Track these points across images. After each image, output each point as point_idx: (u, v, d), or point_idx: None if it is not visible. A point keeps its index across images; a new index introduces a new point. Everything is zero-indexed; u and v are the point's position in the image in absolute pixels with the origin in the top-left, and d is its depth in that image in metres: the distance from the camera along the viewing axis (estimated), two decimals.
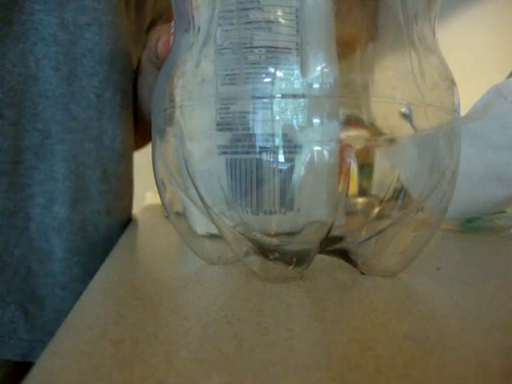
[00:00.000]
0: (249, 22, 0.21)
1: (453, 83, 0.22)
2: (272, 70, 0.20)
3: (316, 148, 0.20)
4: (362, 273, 0.23)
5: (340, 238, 0.22)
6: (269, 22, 0.21)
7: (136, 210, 0.92)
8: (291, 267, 0.22)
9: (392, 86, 0.21)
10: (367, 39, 0.21)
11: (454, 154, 0.22)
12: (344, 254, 0.23)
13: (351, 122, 0.21)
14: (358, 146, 0.21)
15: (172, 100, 0.23)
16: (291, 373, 0.13)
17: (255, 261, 0.23)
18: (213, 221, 0.22)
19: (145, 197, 1.15)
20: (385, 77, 0.21)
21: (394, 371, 0.13)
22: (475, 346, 0.15)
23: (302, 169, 0.21)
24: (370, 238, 0.22)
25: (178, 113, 0.23)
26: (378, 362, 0.14)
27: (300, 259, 0.22)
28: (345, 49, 0.21)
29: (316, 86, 0.20)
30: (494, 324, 0.17)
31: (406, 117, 0.21)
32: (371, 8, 0.21)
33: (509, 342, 0.16)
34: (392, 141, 0.21)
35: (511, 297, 0.21)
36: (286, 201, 0.21)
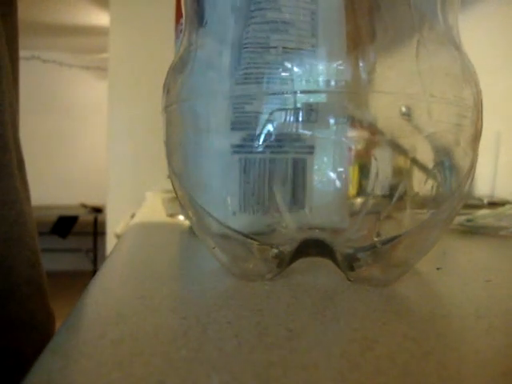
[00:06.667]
0: (265, 22, 0.21)
1: (468, 77, 0.22)
2: (287, 70, 0.20)
3: (329, 148, 0.21)
4: (349, 280, 0.22)
5: (323, 242, 0.22)
6: (285, 22, 0.21)
7: (136, 209, 0.92)
8: (273, 266, 0.22)
9: (394, 84, 0.21)
10: (371, 37, 0.21)
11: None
12: (333, 258, 0.23)
13: (353, 122, 0.21)
14: (359, 146, 0.21)
15: (185, 98, 0.23)
16: (291, 373, 0.13)
17: (244, 259, 0.23)
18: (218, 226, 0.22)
19: (145, 197, 1.15)
20: (387, 74, 0.21)
21: (394, 371, 0.13)
22: (475, 346, 0.15)
23: (315, 169, 0.21)
24: (374, 248, 0.22)
25: (191, 111, 0.23)
26: (378, 362, 0.14)
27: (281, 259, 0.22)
28: (349, 46, 0.21)
29: (330, 86, 0.20)
30: (493, 324, 0.17)
31: (407, 116, 0.21)
32: (377, 5, 0.21)
33: (509, 341, 0.16)
34: (392, 141, 0.21)
35: (511, 297, 0.21)
36: (298, 200, 0.21)
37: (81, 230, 3.14)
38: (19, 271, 0.34)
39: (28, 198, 0.37)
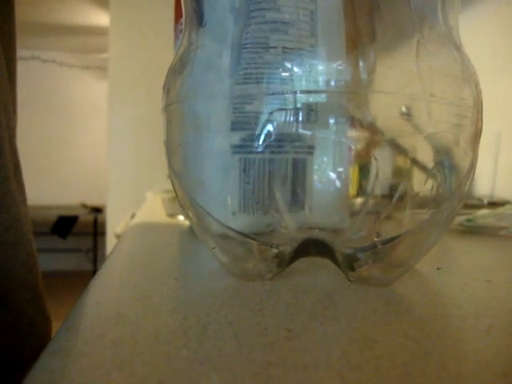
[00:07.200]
0: (265, 23, 0.21)
1: (468, 78, 0.22)
2: (287, 70, 0.20)
3: (329, 148, 0.21)
4: (349, 280, 0.22)
5: (323, 242, 0.22)
6: (284, 23, 0.21)
7: (136, 209, 0.92)
8: (273, 266, 0.22)
9: (394, 84, 0.21)
10: (371, 37, 0.21)
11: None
12: (333, 258, 0.23)
13: (353, 122, 0.21)
14: (359, 146, 0.21)
15: (184, 99, 0.23)
16: (291, 373, 0.13)
17: (244, 259, 0.23)
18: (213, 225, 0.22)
19: (145, 197, 1.15)
20: (387, 74, 0.21)
21: (394, 371, 0.13)
22: (475, 346, 0.15)
23: (315, 169, 0.21)
24: (374, 248, 0.22)
25: (190, 111, 0.23)
26: (377, 362, 0.14)
27: (281, 259, 0.22)
28: (348, 46, 0.21)
29: (330, 86, 0.20)
30: (493, 324, 0.17)
31: (407, 116, 0.21)
32: (377, 5, 0.21)
33: (509, 341, 0.16)
34: (392, 141, 0.21)
35: (511, 296, 0.21)
36: (298, 200, 0.21)
37: (81, 230, 3.14)
38: (15, 275, 0.34)
39: (24, 201, 0.37)
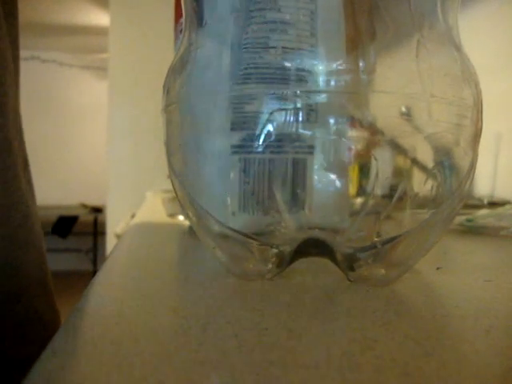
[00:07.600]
0: (265, 23, 0.21)
1: (468, 78, 0.22)
2: (287, 70, 0.20)
3: (329, 148, 0.21)
4: (349, 280, 0.22)
5: (323, 242, 0.22)
6: (284, 22, 0.21)
7: (136, 209, 0.92)
8: (273, 266, 0.22)
9: (394, 84, 0.21)
10: (371, 36, 0.21)
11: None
12: (333, 258, 0.23)
13: (353, 122, 0.21)
14: (359, 146, 0.21)
15: (184, 98, 0.23)
16: (291, 373, 0.13)
17: (244, 259, 0.23)
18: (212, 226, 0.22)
19: (145, 197, 1.15)
20: (387, 74, 0.21)
21: (394, 371, 0.13)
22: (475, 346, 0.15)
23: (315, 169, 0.21)
24: (374, 248, 0.22)
25: (190, 111, 0.23)
26: (377, 362, 0.14)
27: (281, 259, 0.22)
28: (348, 46, 0.21)
29: (330, 86, 0.20)
30: (493, 324, 0.17)
31: (407, 116, 0.21)
32: (377, 5, 0.21)
33: (509, 341, 0.16)
34: (392, 141, 0.21)
35: (511, 297, 0.21)
36: (298, 200, 0.21)
37: (81, 230, 3.14)
38: (27, 272, 0.34)
39: (33, 199, 0.37)
